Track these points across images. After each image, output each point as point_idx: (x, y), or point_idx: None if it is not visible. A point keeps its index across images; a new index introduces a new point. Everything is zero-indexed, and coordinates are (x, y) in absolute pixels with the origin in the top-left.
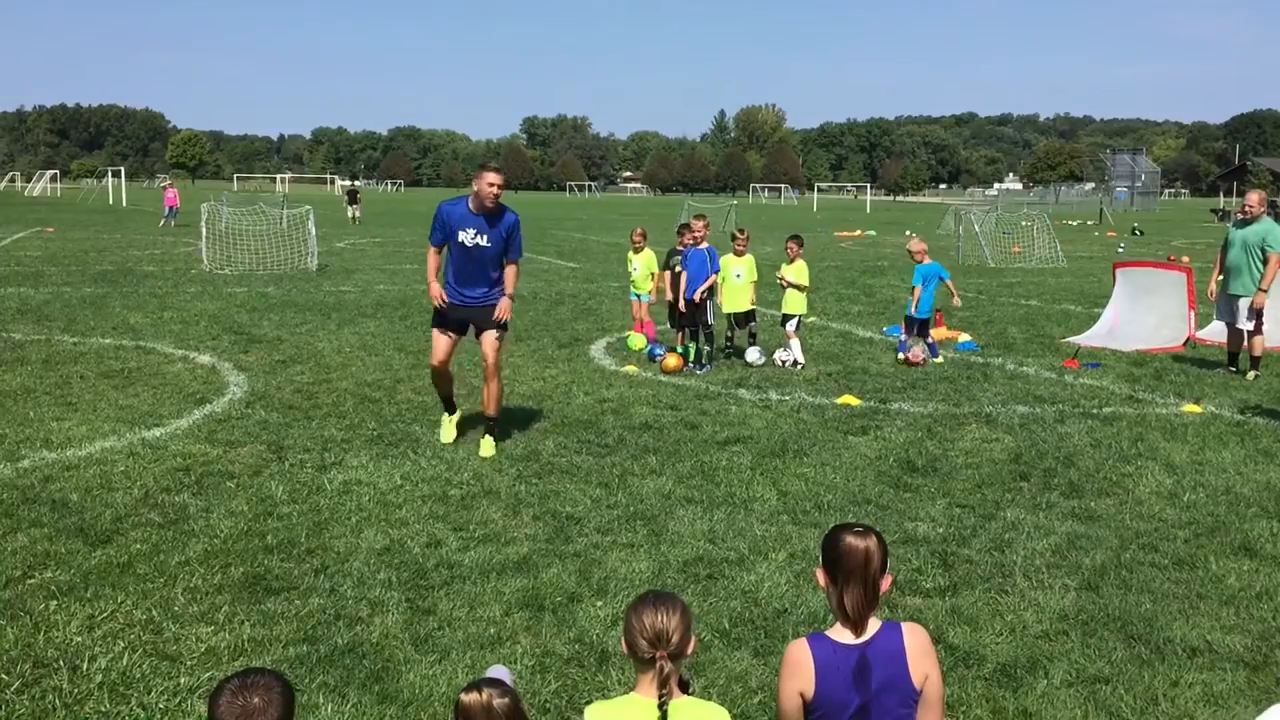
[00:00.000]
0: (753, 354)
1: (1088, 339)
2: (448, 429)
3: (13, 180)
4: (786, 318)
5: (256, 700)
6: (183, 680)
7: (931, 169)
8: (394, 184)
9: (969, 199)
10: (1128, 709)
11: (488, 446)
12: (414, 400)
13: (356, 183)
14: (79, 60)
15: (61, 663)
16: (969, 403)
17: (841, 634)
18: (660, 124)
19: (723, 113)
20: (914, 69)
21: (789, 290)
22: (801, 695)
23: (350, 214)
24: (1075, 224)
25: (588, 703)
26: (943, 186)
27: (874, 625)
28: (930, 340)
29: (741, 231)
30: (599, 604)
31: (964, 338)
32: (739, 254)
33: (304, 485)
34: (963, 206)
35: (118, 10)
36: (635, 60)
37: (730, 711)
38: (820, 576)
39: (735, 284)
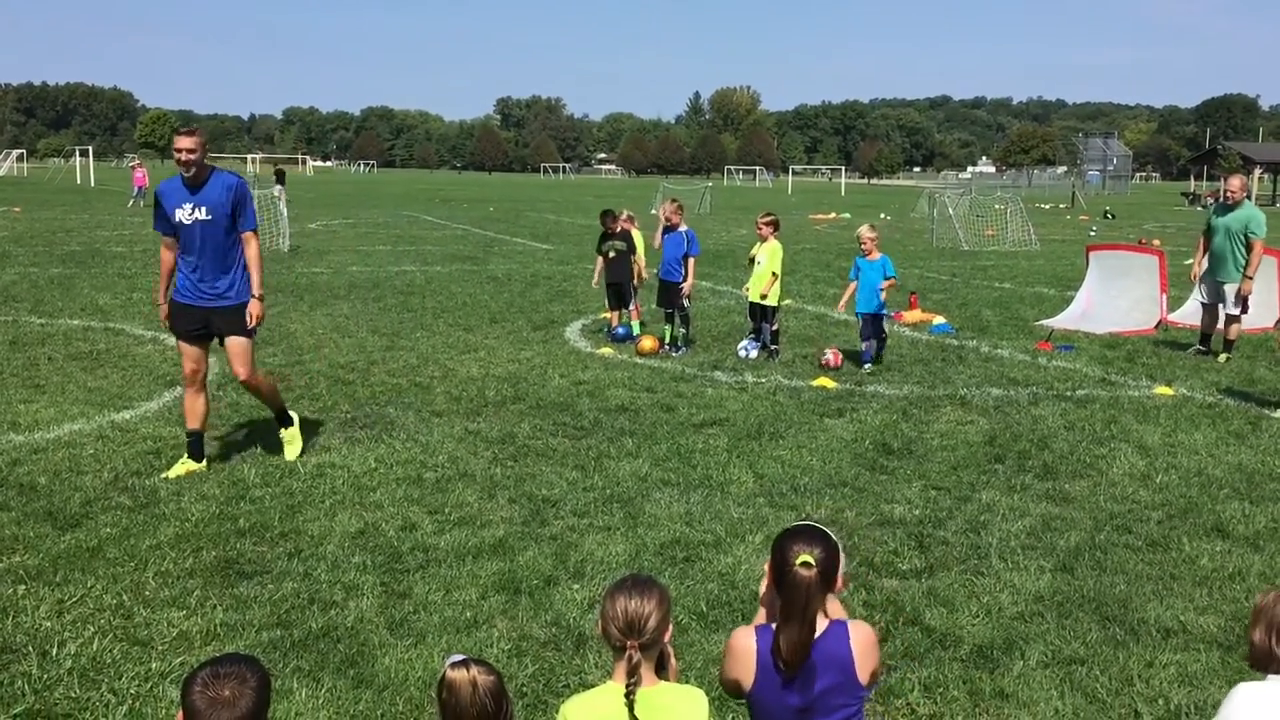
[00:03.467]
0: (747, 348)
1: (1061, 322)
2: (182, 466)
3: None
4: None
5: (227, 692)
6: (154, 665)
7: (905, 152)
8: (366, 165)
9: (942, 182)
10: (1103, 690)
11: (293, 443)
12: (388, 382)
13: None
14: (46, 37)
15: (30, 648)
16: (944, 385)
17: None
18: (635, 105)
19: (697, 94)
20: (889, 52)
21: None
22: (738, 683)
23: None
24: (1048, 207)
25: (565, 686)
26: (916, 170)
27: (821, 624)
28: (869, 342)
29: (767, 215)
30: (576, 587)
31: (938, 320)
32: (761, 238)
33: (276, 468)
34: (936, 189)
35: None
36: (610, 41)
37: (708, 694)
38: (767, 573)
39: (755, 270)
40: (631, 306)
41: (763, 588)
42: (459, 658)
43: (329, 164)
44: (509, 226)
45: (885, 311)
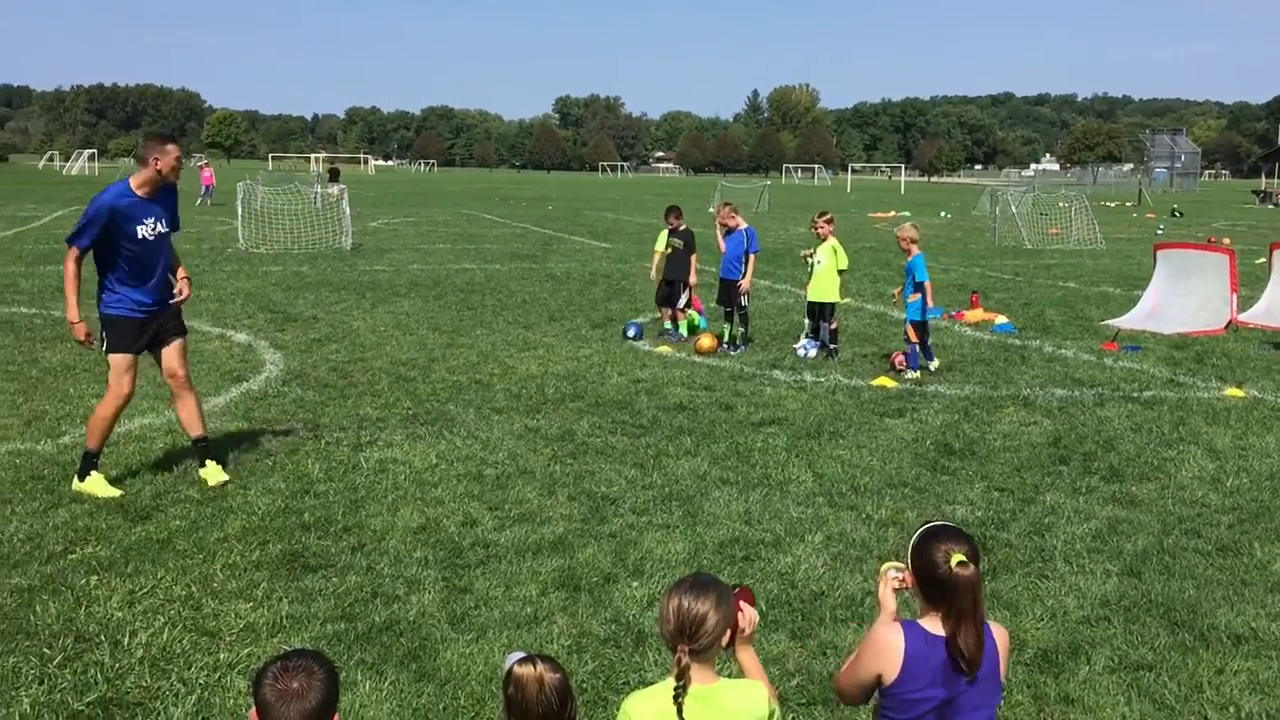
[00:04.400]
0: (805, 347)
1: (1127, 321)
2: (105, 486)
3: (51, 159)
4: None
5: (295, 685)
6: (222, 656)
7: (967, 149)
8: (427, 164)
9: (1005, 180)
10: (1171, 696)
11: (215, 472)
12: (449, 379)
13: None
14: (116, 40)
15: (103, 637)
16: (1006, 385)
17: (933, 624)
18: (693, 104)
19: (756, 92)
20: (950, 48)
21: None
22: (880, 678)
23: (327, 194)
24: (1113, 205)
25: (625, 684)
26: (978, 167)
27: None
28: (913, 348)
29: (823, 214)
30: (635, 585)
31: (1001, 320)
32: (819, 237)
33: (340, 463)
34: (999, 187)
35: None
36: (668, 40)
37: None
38: (907, 580)
39: (815, 270)
40: (681, 305)
41: (883, 590)
42: (520, 654)
43: (390, 163)
44: (567, 225)
45: (916, 318)
